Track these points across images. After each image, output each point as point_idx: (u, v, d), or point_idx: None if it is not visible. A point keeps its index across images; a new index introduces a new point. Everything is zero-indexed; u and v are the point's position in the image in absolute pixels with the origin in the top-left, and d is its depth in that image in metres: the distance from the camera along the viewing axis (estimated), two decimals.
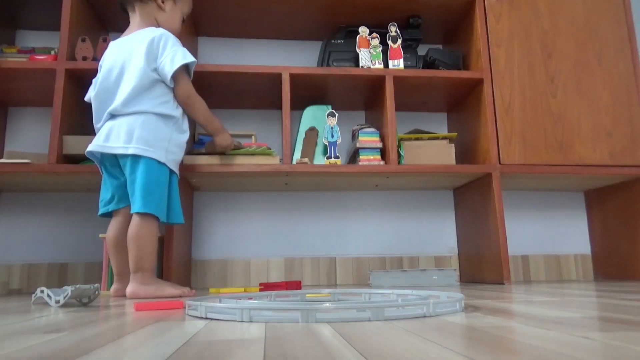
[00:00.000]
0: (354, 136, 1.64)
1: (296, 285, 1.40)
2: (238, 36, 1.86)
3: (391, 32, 1.62)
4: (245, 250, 1.74)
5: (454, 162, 1.57)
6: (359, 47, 1.60)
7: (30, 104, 1.70)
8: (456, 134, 1.66)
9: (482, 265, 1.59)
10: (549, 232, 1.88)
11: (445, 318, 0.56)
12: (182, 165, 1.41)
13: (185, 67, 1.24)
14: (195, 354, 0.36)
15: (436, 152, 1.57)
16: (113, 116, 1.19)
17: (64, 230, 1.67)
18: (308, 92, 1.65)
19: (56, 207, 1.68)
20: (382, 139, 1.56)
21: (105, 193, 1.23)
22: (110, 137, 1.16)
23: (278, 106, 1.57)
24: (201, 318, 0.62)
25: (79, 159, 1.39)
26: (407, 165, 1.52)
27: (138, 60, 1.19)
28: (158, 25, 1.29)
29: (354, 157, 1.62)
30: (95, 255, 1.61)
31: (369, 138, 1.56)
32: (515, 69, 1.59)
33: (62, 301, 0.85)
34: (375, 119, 1.68)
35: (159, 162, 1.16)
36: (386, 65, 1.60)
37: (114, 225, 1.22)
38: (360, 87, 1.66)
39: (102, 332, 0.50)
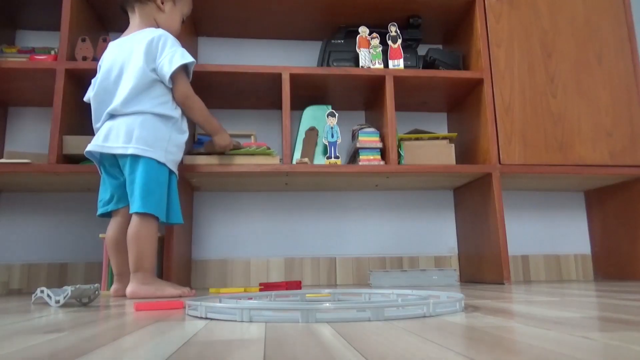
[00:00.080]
0: (354, 136, 1.64)
1: (296, 285, 1.40)
2: (238, 36, 1.86)
3: (391, 32, 1.62)
4: (245, 250, 1.74)
5: (454, 162, 1.57)
6: (359, 47, 1.60)
7: (30, 104, 1.70)
8: (456, 134, 1.66)
9: (482, 265, 1.59)
10: (549, 232, 1.88)
11: (445, 318, 0.56)
12: (182, 165, 1.41)
13: (184, 68, 1.24)
14: (195, 354, 0.36)
15: (436, 152, 1.57)
16: (112, 116, 1.19)
17: (64, 230, 1.67)
18: (308, 92, 1.65)
19: (56, 207, 1.68)
20: (382, 139, 1.56)
21: (104, 193, 1.23)
22: (110, 137, 1.16)
23: (278, 106, 1.57)
24: (201, 318, 0.62)
25: (79, 159, 1.39)
26: (407, 165, 1.52)
27: (137, 60, 1.19)
28: (157, 25, 1.29)
29: (354, 157, 1.62)
30: (95, 255, 1.61)
31: (369, 138, 1.56)
32: (515, 69, 1.59)
33: (62, 301, 0.85)
34: (375, 119, 1.68)
35: (158, 162, 1.16)
36: (386, 65, 1.60)
37: (113, 225, 1.22)
38: (360, 87, 1.66)
39: (102, 332, 0.50)
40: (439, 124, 1.91)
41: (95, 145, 1.18)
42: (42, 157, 1.43)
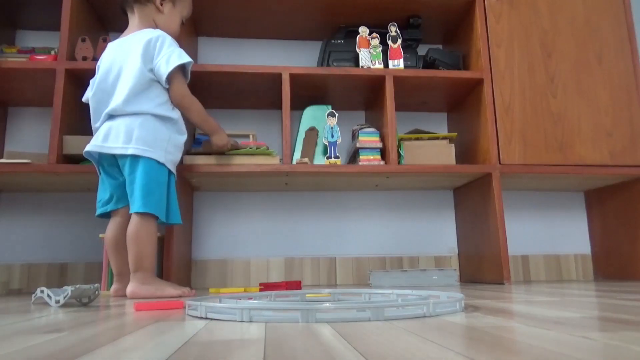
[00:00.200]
0: (354, 136, 1.64)
1: (296, 285, 1.40)
2: (238, 36, 1.86)
3: (391, 32, 1.62)
4: (245, 250, 1.74)
5: (454, 162, 1.57)
6: (359, 47, 1.60)
7: (30, 104, 1.70)
8: (456, 134, 1.66)
9: (482, 265, 1.59)
10: (549, 232, 1.88)
11: (445, 318, 0.56)
12: (182, 166, 1.41)
13: (182, 68, 1.23)
14: (195, 354, 0.36)
15: (436, 152, 1.57)
16: (111, 117, 1.19)
17: (64, 230, 1.67)
18: (308, 92, 1.65)
19: (56, 207, 1.68)
20: (382, 139, 1.56)
21: (103, 193, 1.23)
22: (109, 138, 1.16)
23: (278, 106, 1.57)
24: (201, 318, 0.62)
25: (79, 159, 1.39)
26: (407, 165, 1.52)
27: (135, 60, 1.19)
28: (156, 26, 1.29)
29: (354, 157, 1.62)
30: (95, 255, 1.61)
31: (369, 138, 1.56)
32: (515, 69, 1.59)
33: (62, 301, 0.85)
34: (375, 119, 1.68)
35: (158, 162, 1.16)
36: (386, 65, 1.60)
37: (112, 225, 1.22)
38: (360, 87, 1.66)
39: (102, 332, 0.50)
40: (439, 124, 1.91)
41: (94, 145, 1.18)
42: (42, 157, 1.43)
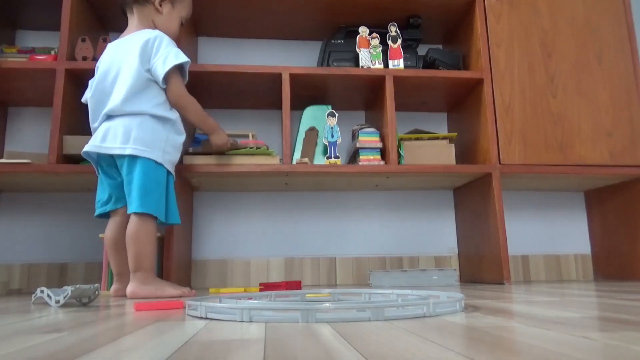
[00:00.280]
0: (354, 136, 1.64)
1: (296, 285, 1.40)
2: (238, 36, 1.86)
3: (391, 32, 1.62)
4: (245, 250, 1.74)
5: (454, 162, 1.57)
6: (359, 47, 1.60)
7: (30, 104, 1.70)
8: (456, 134, 1.66)
9: (482, 265, 1.59)
10: (549, 232, 1.88)
11: (445, 318, 0.56)
12: (182, 166, 1.41)
13: (179, 68, 1.23)
14: (195, 354, 0.36)
15: (436, 152, 1.57)
16: (109, 117, 1.19)
17: (64, 230, 1.67)
18: (308, 92, 1.65)
19: (56, 207, 1.68)
20: (382, 139, 1.56)
21: (101, 194, 1.23)
22: (107, 138, 1.16)
23: (278, 106, 1.57)
24: (201, 318, 0.62)
25: (79, 159, 1.39)
26: (407, 165, 1.52)
27: (132, 61, 1.19)
28: (155, 27, 1.29)
29: (354, 157, 1.62)
30: (95, 255, 1.61)
31: (369, 138, 1.56)
32: (515, 69, 1.59)
33: (62, 301, 0.85)
34: (375, 119, 1.68)
35: (156, 162, 1.16)
36: (386, 65, 1.60)
37: (112, 225, 1.22)
38: (360, 87, 1.66)
39: (102, 332, 0.50)
40: (439, 124, 1.91)
41: (92, 145, 1.18)
42: (42, 157, 1.43)
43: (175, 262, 1.40)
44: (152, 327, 0.54)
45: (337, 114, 1.57)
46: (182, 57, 1.21)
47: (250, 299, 0.81)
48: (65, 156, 1.40)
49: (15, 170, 1.37)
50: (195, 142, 1.51)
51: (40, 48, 1.53)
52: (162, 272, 1.35)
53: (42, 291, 0.90)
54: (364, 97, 1.75)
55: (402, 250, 1.80)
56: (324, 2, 1.66)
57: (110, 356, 0.36)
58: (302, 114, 1.66)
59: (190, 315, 0.65)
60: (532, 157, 1.54)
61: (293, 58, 1.87)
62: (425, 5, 1.69)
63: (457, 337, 0.43)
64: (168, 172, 1.20)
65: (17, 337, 0.47)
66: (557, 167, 1.55)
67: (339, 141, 1.54)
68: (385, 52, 1.61)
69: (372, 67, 1.58)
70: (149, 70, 1.20)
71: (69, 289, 0.84)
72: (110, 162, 1.19)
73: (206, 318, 0.61)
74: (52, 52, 1.51)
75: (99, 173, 1.23)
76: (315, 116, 1.64)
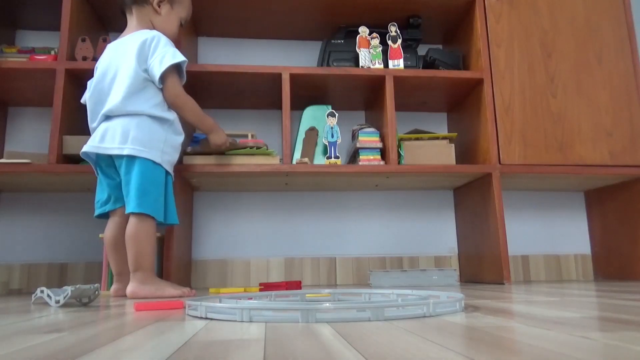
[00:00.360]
0: (354, 136, 1.64)
1: (296, 285, 1.40)
2: (238, 36, 1.86)
3: (391, 32, 1.62)
4: (245, 250, 1.74)
5: (454, 162, 1.57)
6: (359, 47, 1.60)
7: (30, 104, 1.70)
8: (456, 134, 1.66)
9: (482, 265, 1.60)
10: (549, 232, 1.88)
11: (445, 318, 0.56)
12: (182, 165, 1.41)
13: (177, 68, 1.23)
14: (195, 354, 0.36)
15: (436, 152, 1.57)
16: (108, 117, 1.19)
17: (64, 230, 1.67)
18: (308, 92, 1.65)
19: (56, 207, 1.68)
20: (382, 139, 1.56)
21: (101, 194, 1.23)
22: (106, 138, 1.16)
23: (278, 106, 1.57)
24: (201, 318, 0.62)
25: (79, 159, 1.39)
26: (407, 165, 1.52)
27: (130, 61, 1.19)
28: (153, 28, 1.29)
29: (354, 157, 1.62)
30: (95, 255, 1.61)
31: (369, 138, 1.56)
32: (515, 69, 1.59)
33: (62, 301, 0.85)
34: (375, 119, 1.68)
35: (154, 162, 1.16)
36: (386, 65, 1.60)
37: (111, 225, 1.22)
38: (360, 87, 1.66)
39: (102, 332, 0.50)
40: (439, 124, 1.91)
41: (91, 146, 1.18)
42: (42, 157, 1.43)
43: (175, 262, 1.40)
44: (152, 327, 0.54)
45: (337, 114, 1.57)
46: (179, 57, 1.21)
47: (250, 299, 0.81)
48: (65, 156, 1.40)
49: (15, 170, 1.37)
50: (194, 141, 1.50)
51: (40, 48, 1.53)
52: (162, 272, 1.35)
53: (42, 291, 0.90)
54: (364, 97, 1.75)
55: (402, 250, 1.80)
56: (324, 2, 1.66)
57: (110, 356, 0.36)
58: (302, 114, 1.66)
59: (190, 315, 0.65)
60: (532, 157, 1.54)
61: (293, 58, 1.87)
62: (425, 5, 1.69)
63: (457, 337, 0.43)
64: (167, 173, 1.20)
65: (17, 337, 0.47)
66: (557, 167, 1.55)
67: (339, 141, 1.54)
68: (385, 52, 1.61)
69: (372, 67, 1.58)
70: (146, 70, 1.20)
71: (69, 289, 0.84)
72: (109, 163, 1.19)
73: (206, 318, 0.61)
74: (52, 52, 1.51)
75: (98, 173, 1.23)
76: (315, 116, 1.64)
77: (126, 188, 1.15)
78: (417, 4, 1.68)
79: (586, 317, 0.54)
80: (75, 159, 1.41)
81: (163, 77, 1.19)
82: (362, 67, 1.58)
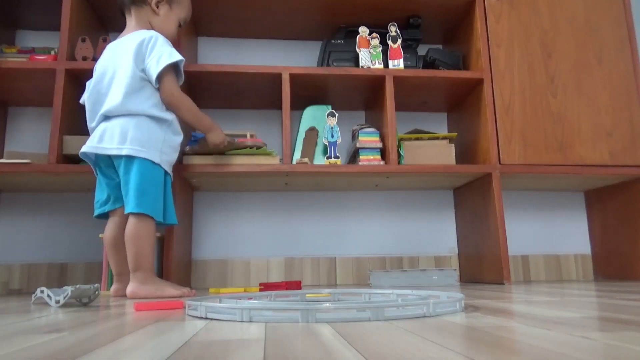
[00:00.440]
0: (354, 136, 1.64)
1: (296, 285, 1.40)
2: (238, 36, 1.86)
3: (391, 32, 1.62)
4: (245, 250, 1.74)
5: (454, 162, 1.57)
6: (359, 47, 1.60)
7: (30, 104, 1.70)
8: (456, 134, 1.66)
9: (482, 265, 1.60)
10: (549, 232, 1.88)
11: (445, 318, 0.56)
12: (182, 165, 1.41)
13: (174, 67, 1.22)
14: (195, 354, 0.36)
15: (436, 152, 1.57)
16: (106, 118, 1.19)
17: (64, 230, 1.67)
18: (308, 92, 1.65)
19: (56, 207, 1.68)
20: (382, 139, 1.56)
21: (100, 194, 1.23)
22: (104, 138, 1.16)
23: (278, 106, 1.57)
24: (201, 318, 0.62)
25: (79, 159, 1.38)
26: (407, 165, 1.52)
27: (127, 61, 1.19)
28: (152, 28, 1.28)
29: (354, 157, 1.62)
30: (95, 255, 1.61)
31: (369, 138, 1.56)
32: (515, 69, 1.59)
33: (62, 301, 0.85)
34: (375, 119, 1.68)
35: (153, 162, 1.16)
36: (386, 65, 1.60)
37: (111, 225, 1.22)
38: (360, 87, 1.66)
39: (102, 332, 0.50)
40: (439, 124, 1.91)
41: (89, 146, 1.18)
42: (42, 157, 1.43)
43: (175, 262, 1.40)
44: (152, 327, 0.54)
45: (337, 114, 1.57)
46: (176, 56, 1.20)
47: (250, 299, 0.81)
48: (65, 156, 1.40)
49: (15, 170, 1.37)
50: (193, 140, 1.50)
51: (40, 48, 1.53)
52: (162, 272, 1.35)
53: (42, 291, 0.90)
54: (364, 97, 1.75)
55: (402, 250, 1.80)
56: (324, 2, 1.66)
57: (110, 356, 0.36)
58: (302, 114, 1.66)
59: (190, 315, 0.65)
60: (532, 157, 1.54)
61: (293, 58, 1.87)
62: (425, 5, 1.69)
63: (457, 337, 0.43)
64: (166, 173, 1.20)
65: (17, 337, 0.47)
66: (557, 167, 1.55)
67: (339, 141, 1.54)
68: (385, 52, 1.61)
69: (372, 67, 1.58)
70: (143, 71, 1.20)
71: (69, 289, 0.84)
72: (108, 163, 1.20)
73: (206, 318, 0.61)
74: (52, 52, 1.51)
75: (97, 174, 1.23)
76: (315, 116, 1.64)
77: (125, 188, 1.15)
78: (417, 4, 1.68)
79: (586, 317, 0.54)
80: (75, 159, 1.41)
81: (160, 76, 1.19)
82: (362, 67, 1.58)
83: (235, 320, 0.57)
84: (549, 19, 1.64)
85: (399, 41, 1.62)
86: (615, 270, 1.74)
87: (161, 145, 1.18)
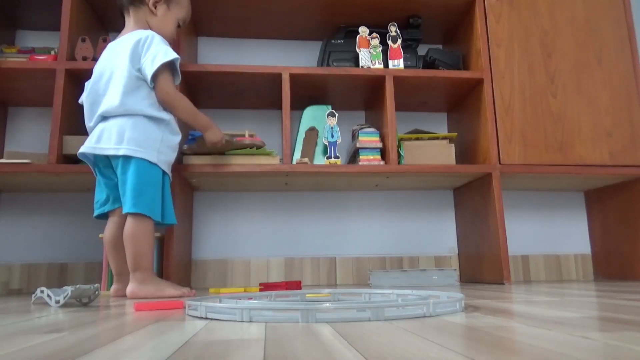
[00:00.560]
0: (354, 136, 1.64)
1: (296, 285, 1.40)
2: (238, 36, 1.86)
3: (391, 32, 1.62)
4: (245, 250, 1.74)
5: (454, 162, 1.57)
6: (359, 47, 1.60)
7: (30, 104, 1.70)
8: (456, 134, 1.66)
9: (482, 265, 1.60)
10: (549, 232, 1.88)
11: (445, 318, 0.56)
12: (182, 166, 1.41)
13: (170, 66, 1.22)
14: (195, 354, 0.36)
15: (436, 152, 1.57)
16: (104, 118, 1.19)
17: (64, 230, 1.67)
18: (308, 92, 1.65)
19: (56, 207, 1.68)
20: (382, 139, 1.56)
21: (99, 194, 1.23)
22: (102, 139, 1.16)
23: (278, 106, 1.57)
24: (201, 318, 0.62)
25: (79, 159, 1.39)
26: (407, 165, 1.52)
27: (124, 61, 1.19)
28: (150, 28, 1.28)
29: (354, 157, 1.62)
30: (95, 255, 1.61)
31: (369, 138, 1.56)
32: (515, 69, 1.59)
33: (62, 301, 0.85)
34: (375, 119, 1.68)
35: (150, 162, 1.15)
36: (386, 65, 1.60)
37: (110, 225, 1.22)
38: (360, 87, 1.66)
39: (102, 332, 0.50)
40: (439, 124, 1.91)
41: (87, 147, 1.18)
42: (42, 157, 1.43)
43: (175, 262, 1.40)
44: (152, 327, 0.54)
45: (337, 114, 1.57)
46: (171, 55, 1.20)
47: (250, 299, 0.81)
48: (65, 156, 1.40)
49: (15, 170, 1.37)
50: (191, 139, 1.49)
51: (40, 48, 1.53)
52: (162, 272, 1.35)
53: (42, 291, 0.90)
54: (364, 97, 1.75)
55: (402, 250, 1.80)
56: (324, 2, 1.66)
57: (110, 356, 0.36)
58: (302, 114, 1.66)
59: (190, 315, 0.65)
60: (532, 157, 1.54)
61: (293, 58, 1.87)
62: (425, 5, 1.69)
63: (457, 337, 0.43)
64: (164, 173, 1.20)
65: (17, 337, 0.47)
66: (557, 167, 1.55)
67: (339, 141, 1.54)
68: (385, 52, 1.61)
69: (372, 67, 1.58)
70: (139, 70, 1.19)
71: (69, 289, 0.84)
72: (106, 163, 1.20)
73: (206, 318, 0.61)
74: (52, 52, 1.51)
75: (96, 174, 1.23)
76: (315, 116, 1.64)
77: (122, 188, 1.15)
78: (417, 4, 1.68)
79: (586, 317, 0.54)
80: (75, 159, 1.41)
81: (155, 75, 1.19)
82: (362, 67, 1.58)
83: (235, 320, 0.57)
84: (549, 19, 1.64)
85: (399, 41, 1.62)
86: (615, 270, 1.74)
87: (159, 145, 1.18)
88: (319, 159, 1.59)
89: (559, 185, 1.79)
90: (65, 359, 0.35)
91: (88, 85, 1.25)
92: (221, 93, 1.67)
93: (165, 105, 1.22)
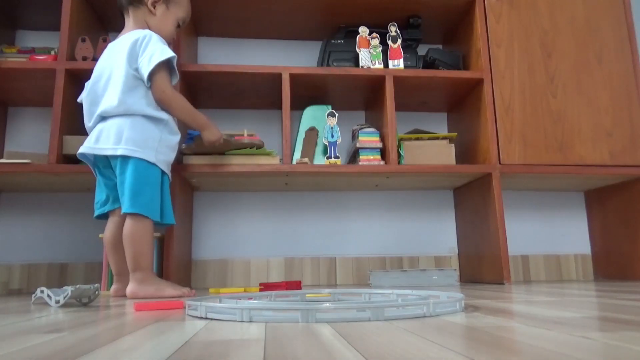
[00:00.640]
0: (354, 136, 1.64)
1: (296, 285, 1.40)
2: (238, 36, 1.86)
3: (391, 32, 1.62)
4: (245, 250, 1.74)
5: (454, 162, 1.57)
6: (359, 47, 1.60)
7: (30, 104, 1.70)
8: (456, 134, 1.66)
9: (482, 265, 1.60)
10: (549, 232, 1.88)
11: (445, 318, 0.56)
12: (182, 165, 1.41)
13: (166, 65, 1.22)
14: (195, 354, 0.36)
15: (436, 152, 1.57)
16: (103, 118, 1.19)
17: (64, 230, 1.67)
18: (308, 92, 1.65)
19: (56, 207, 1.68)
20: (382, 139, 1.56)
21: (99, 194, 1.23)
22: (100, 139, 1.16)
23: (278, 106, 1.57)
24: (201, 318, 0.62)
25: (79, 159, 1.39)
26: (407, 165, 1.52)
27: (122, 61, 1.19)
28: (149, 28, 1.28)
29: (354, 157, 1.62)
30: (95, 255, 1.61)
31: (369, 138, 1.56)
32: (515, 69, 1.59)
33: (62, 301, 0.85)
34: (375, 119, 1.68)
35: (148, 162, 1.15)
36: (386, 65, 1.60)
37: (110, 225, 1.22)
38: (360, 87, 1.66)
39: (102, 332, 0.50)
40: (439, 124, 1.91)
41: (86, 147, 1.18)
42: (42, 157, 1.43)
43: (175, 262, 1.40)
44: (152, 327, 0.54)
45: (337, 114, 1.57)
46: (167, 53, 1.19)
47: (250, 299, 0.81)
48: (65, 156, 1.40)
49: (15, 170, 1.37)
50: (189, 138, 1.48)
51: (40, 48, 1.53)
52: (162, 272, 1.35)
53: (42, 291, 0.90)
54: (364, 97, 1.75)
55: (402, 250, 1.80)
56: (324, 2, 1.66)
57: (110, 356, 0.36)
58: (302, 114, 1.66)
59: (190, 315, 0.65)
60: (532, 157, 1.54)
61: (293, 58, 1.87)
62: (425, 5, 1.69)
63: (457, 337, 0.43)
64: (163, 172, 1.20)
65: (17, 337, 0.47)
66: (557, 167, 1.55)
67: (339, 141, 1.54)
68: (385, 52, 1.61)
69: (372, 67, 1.58)
70: (136, 70, 1.19)
71: (69, 289, 0.84)
72: (106, 163, 1.20)
73: (206, 318, 0.61)
74: (52, 52, 1.51)
75: (96, 174, 1.23)
76: (315, 116, 1.64)
77: (121, 188, 1.15)
78: (417, 4, 1.68)
79: (586, 317, 0.54)
80: (75, 159, 1.41)
81: (151, 74, 1.18)
82: (362, 67, 1.58)
83: (235, 320, 0.57)
84: (549, 19, 1.64)
85: (399, 41, 1.62)
86: (615, 270, 1.74)
87: (157, 144, 1.18)
88: (319, 159, 1.59)
89: (559, 185, 1.79)
90: (65, 359, 0.35)
91: (88, 85, 1.25)
92: (221, 93, 1.67)
93: (161, 104, 1.22)
